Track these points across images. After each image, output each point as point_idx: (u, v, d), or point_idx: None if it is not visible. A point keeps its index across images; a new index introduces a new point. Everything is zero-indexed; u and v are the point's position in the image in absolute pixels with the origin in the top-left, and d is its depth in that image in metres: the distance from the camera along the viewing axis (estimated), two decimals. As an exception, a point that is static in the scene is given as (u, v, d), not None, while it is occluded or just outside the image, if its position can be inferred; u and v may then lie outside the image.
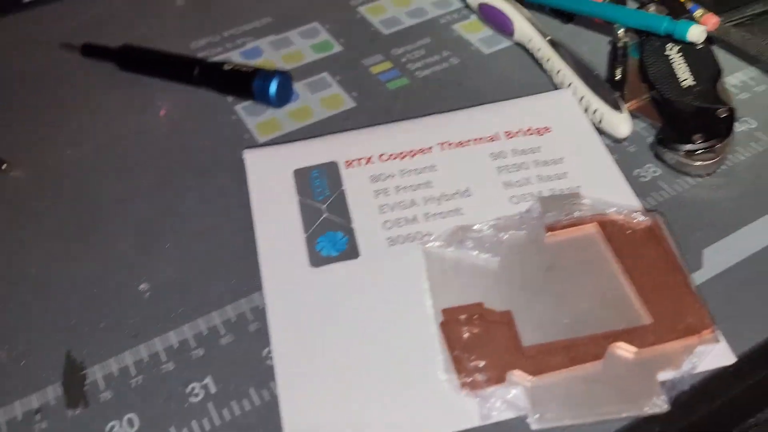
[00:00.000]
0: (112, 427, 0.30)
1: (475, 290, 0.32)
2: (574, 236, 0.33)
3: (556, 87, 0.42)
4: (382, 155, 0.37)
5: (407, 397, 0.29)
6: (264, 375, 0.31)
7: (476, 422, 0.28)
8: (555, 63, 0.41)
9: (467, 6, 0.49)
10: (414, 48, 0.46)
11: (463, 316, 0.30)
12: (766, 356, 0.30)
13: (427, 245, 0.33)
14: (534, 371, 0.29)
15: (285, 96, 0.43)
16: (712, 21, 0.43)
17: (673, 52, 0.41)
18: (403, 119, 0.40)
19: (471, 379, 0.29)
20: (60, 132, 0.43)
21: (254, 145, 0.41)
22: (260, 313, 0.33)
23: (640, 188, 0.37)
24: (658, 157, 0.38)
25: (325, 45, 0.47)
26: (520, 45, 0.45)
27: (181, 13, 0.51)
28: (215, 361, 0.31)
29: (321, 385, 0.30)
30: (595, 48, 0.44)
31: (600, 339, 0.30)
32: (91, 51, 0.47)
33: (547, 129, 0.38)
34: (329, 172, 0.37)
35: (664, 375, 0.29)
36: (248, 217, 0.36)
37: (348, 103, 0.43)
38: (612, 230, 0.33)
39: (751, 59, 0.43)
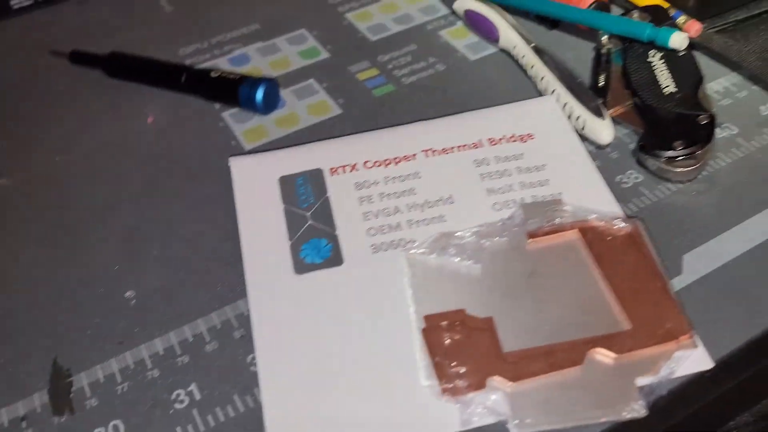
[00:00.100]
0: (98, 434, 0.30)
1: (457, 297, 0.32)
2: (555, 243, 0.34)
3: (540, 93, 0.42)
4: (366, 162, 0.38)
5: (390, 403, 0.30)
6: (248, 381, 0.31)
7: (457, 427, 0.29)
8: (539, 70, 0.42)
9: (454, 12, 0.49)
10: (400, 54, 0.47)
11: (444, 323, 0.31)
12: (744, 361, 0.31)
13: (409, 252, 0.34)
14: (514, 377, 0.29)
15: (272, 103, 0.43)
16: (695, 28, 0.44)
17: (655, 58, 0.41)
18: (388, 126, 0.41)
19: (452, 385, 0.29)
20: (48, 139, 0.43)
21: (241, 152, 0.41)
22: (245, 320, 0.33)
23: (622, 194, 0.37)
24: (640, 163, 0.38)
25: (312, 51, 0.47)
26: (505, 51, 0.46)
27: (170, 20, 0.51)
28: (200, 368, 0.32)
29: (304, 391, 0.30)
30: (580, 54, 0.45)
31: (579, 345, 0.30)
32: (79, 58, 0.47)
33: (530, 136, 0.39)
34: (314, 180, 0.37)
35: (643, 380, 0.29)
36: (234, 224, 0.36)
37: (334, 109, 0.43)
38: (593, 237, 0.34)
39: (733, 65, 0.43)
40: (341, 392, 0.30)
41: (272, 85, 0.43)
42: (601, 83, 0.42)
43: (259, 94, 0.42)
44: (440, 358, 0.30)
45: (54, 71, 0.47)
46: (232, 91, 0.42)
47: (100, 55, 0.46)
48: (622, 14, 0.45)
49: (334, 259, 0.34)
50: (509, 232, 0.34)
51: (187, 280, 0.35)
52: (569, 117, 0.39)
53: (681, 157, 0.37)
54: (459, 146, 0.38)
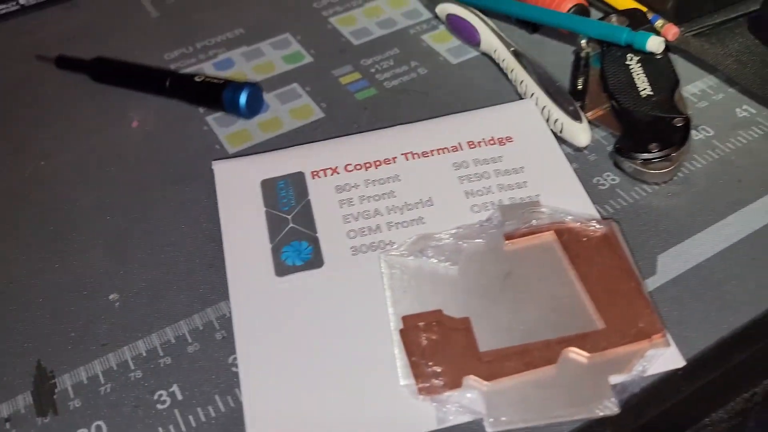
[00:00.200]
0: (81, 435, 0.30)
1: (434, 297, 0.33)
2: (531, 244, 0.34)
3: (520, 96, 0.43)
4: (347, 166, 0.38)
5: (368, 403, 0.30)
6: (229, 382, 0.31)
7: (434, 426, 0.29)
8: (518, 73, 0.42)
9: (436, 17, 0.49)
10: (383, 58, 0.47)
11: (421, 323, 0.31)
12: (715, 360, 0.31)
13: (388, 254, 0.34)
14: (489, 376, 0.30)
15: (255, 107, 0.43)
16: (673, 31, 0.45)
17: (633, 62, 0.42)
18: (370, 129, 0.41)
19: (428, 384, 0.30)
20: (33, 143, 0.43)
21: (225, 155, 0.41)
22: (227, 322, 0.33)
23: (599, 196, 0.38)
24: (617, 165, 0.39)
25: (296, 56, 0.48)
26: (486, 55, 0.46)
27: (155, 25, 0.52)
28: (182, 369, 0.32)
29: (284, 391, 0.31)
30: (560, 58, 0.45)
31: (554, 344, 0.31)
32: (65, 63, 0.47)
33: (509, 138, 0.39)
34: (295, 183, 0.38)
35: (616, 378, 0.30)
36: (217, 227, 0.37)
37: (317, 113, 0.44)
38: (568, 238, 0.34)
39: (709, 68, 0.44)
40: (320, 392, 0.30)
41: (256, 90, 0.43)
42: (580, 86, 0.42)
43: (243, 99, 0.42)
44: (417, 358, 0.30)
45: (40, 76, 0.48)
46: (216, 95, 0.43)
47: (86, 60, 0.47)
48: (601, 18, 0.45)
49: (315, 261, 0.34)
50: (487, 233, 0.35)
51: (170, 282, 0.35)
52: (547, 120, 0.40)
53: (656, 159, 0.37)
54: (438, 149, 0.39)
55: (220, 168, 0.39)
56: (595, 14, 0.47)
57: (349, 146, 0.39)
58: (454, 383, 0.30)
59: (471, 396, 0.29)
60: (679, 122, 0.38)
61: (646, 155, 0.37)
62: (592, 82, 0.43)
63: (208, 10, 0.53)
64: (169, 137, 0.43)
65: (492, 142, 0.39)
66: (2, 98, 0.47)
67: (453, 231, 0.35)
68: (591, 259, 0.33)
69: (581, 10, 0.46)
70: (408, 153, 0.38)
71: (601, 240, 0.34)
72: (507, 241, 0.34)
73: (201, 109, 0.44)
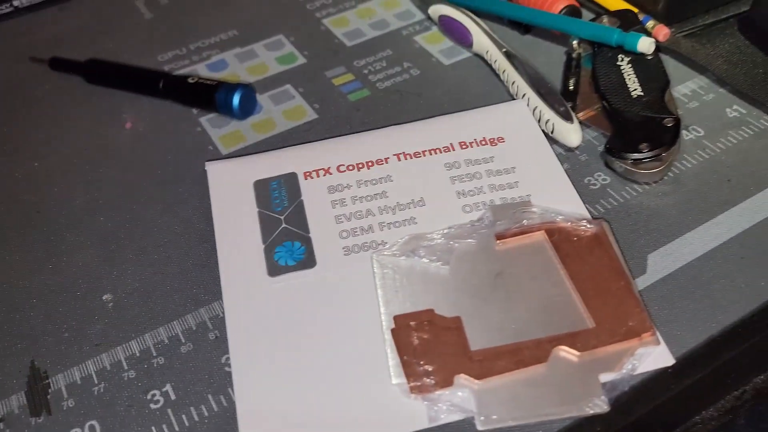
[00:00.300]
0: (74, 435, 0.31)
1: (426, 297, 0.33)
2: (522, 244, 0.35)
3: (512, 97, 0.43)
4: (339, 166, 0.38)
5: (361, 402, 0.30)
6: (222, 382, 0.32)
7: (425, 424, 0.29)
8: (510, 74, 0.43)
9: (428, 18, 0.50)
10: (376, 60, 0.47)
11: (413, 323, 0.32)
12: (704, 358, 0.31)
13: (380, 254, 0.34)
14: (480, 375, 0.30)
15: (248, 108, 0.44)
16: (663, 32, 0.45)
17: (624, 62, 0.42)
18: (363, 130, 0.42)
19: (420, 383, 0.30)
20: (27, 144, 0.44)
21: (218, 156, 0.42)
22: (220, 322, 0.34)
23: (590, 195, 0.38)
24: (608, 165, 0.39)
25: (289, 57, 0.48)
26: (478, 56, 0.47)
27: (149, 26, 0.52)
28: (175, 368, 0.32)
29: (277, 391, 0.31)
30: (552, 59, 0.46)
31: (544, 343, 0.31)
32: (58, 64, 0.48)
33: (501, 139, 0.39)
34: (288, 184, 0.38)
35: (606, 377, 0.30)
36: (210, 228, 0.37)
37: (310, 114, 0.44)
38: (559, 238, 0.34)
39: (700, 69, 0.44)
40: (313, 391, 0.31)
41: (249, 91, 0.43)
42: (571, 87, 0.43)
43: (236, 100, 0.42)
44: (409, 357, 0.31)
45: (34, 77, 0.48)
46: (209, 96, 0.43)
47: (80, 62, 0.47)
48: (593, 19, 0.45)
49: (307, 261, 0.35)
50: (478, 233, 0.35)
51: (164, 282, 0.36)
52: (539, 120, 0.40)
53: (647, 159, 0.37)
54: (430, 150, 0.39)
55: (213, 169, 0.39)
56: (587, 15, 0.47)
57: (342, 147, 0.40)
58: (446, 382, 0.30)
59: (462, 394, 0.30)
60: (669, 122, 0.39)
61: (636, 155, 0.37)
62: (584, 83, 0.43)
63: (202, 12, 0.53)
64: (163, 138, 0.43)
65: (484, 142, 0.39)
66: (-4, 100, 0.47)
67: (444, 231, 0.35)
68: (581, 259, 0.34)
69: (573, 11, 0.46)
70: (400, 153, 0.39)
71: (592, 239, 0.34)
72: (498, 241, 0.35)
73: (194, 111, 0.45)
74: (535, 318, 0.32)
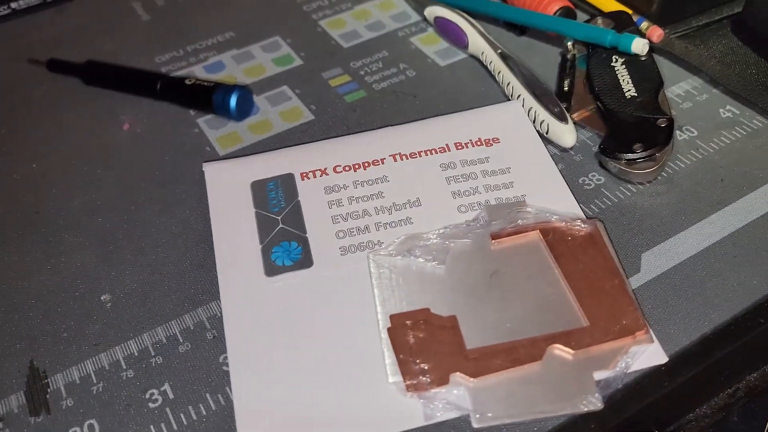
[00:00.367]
0: (73, 433, 0.31)
1: (422, 296, 0.33)
2: (517, 243, 0.35)
3: (508, 98, 0.43)
4: (336, 167, 0.39)
5: (357, 400, 0.31)
6: (220, 381, 0.32)
7: (421, 422, 0.30)
8: (505, 75, 0.43)
9: (424, 20, 0.50)
10: (372, 61, 0.48)
11: (409, 322, 0.32)
12: (697, 356, 0.32)
13: (376, 254, 0.35)
14: (476, 373, 0.30)
15: (245, 109, 0.44)
16: (657, 33, 0.45)
17: (618, 63, 0.43)
18: (359, 131, 0.42)
19: (416, 381, 0.30)
20: (25, 145, 0.44)
21: (215, 157, 0.42)
22: (218, 322, 0.34)
23: (584, 195, 0.38)
24: (602, 165, 0.39)
25: (286, 59, 0.48)
26: (474, 57, 0.47)
27: (146, 28, 0.52)
28: (173, 368, 0.32)
29: (274, 390, 0.31)
30: (547, 60, 0.46)
31: (539, 341, 0.31)
32: (56, 66, 0.48)
33: (496, 140, 0.40)
34: (285, 184, 0.38)
35: (600, 374, 0.30)
36: (208, 229, 0.37)
37: (307, 115, 0.44)
38: (554, 237, 0.35)
39: (693, 69, 0.45)
40: (310, 390, 0.31)
41: (246, 92, 0.44)
42: (566, 88, 0.43)
43: (233, 101, 0.43)
44: (405, 356, 0.31)
45: (32, 79, 0.48)
46: (207, 98, 0.43)
47: (77, 64, 0.47)
48: (587, 20, 0.46)
49: (304, 261, 0.35)
50: (473, 233, 0.35)
51: (162, 283, 0.36)
52: (534, 121, 0.41)
53: (641, 160, 0.38)
54: (426, 150, 0.39)
55: (210, 169, 0.39)
56: (582, 17, 0.48)
57: (338, 148, 0.40)
58: (442, 380, 0.30)
59: (458, 392, 0.30)
60: (663, 123, 0.39)
61: (630, 155, 0.38)
62: (578, 84, 0.43)
63: (199, 14, 0.53)
64: (160, 139, 0.43)
65: (479, 143, 0.39)
66: (-6, 101, 0.47)
67: (440, 231, 0.35)
68: (576, 258, 0.34)
69: (567, 13, 0.46)
70: (396, 154, 0.39)
71: (586, 239, 0.35)
72: (493, 241, 0.35)
73: (192, 112, 0.45)
74: (530, 317, 0.32)
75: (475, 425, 0.29)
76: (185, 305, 0.35)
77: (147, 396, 0.32)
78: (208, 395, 0.31)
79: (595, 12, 0.48)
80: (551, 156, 0.39)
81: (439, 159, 0.39)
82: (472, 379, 0.30)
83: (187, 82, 0.44)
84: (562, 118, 0.40)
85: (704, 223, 0.37)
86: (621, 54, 0.43)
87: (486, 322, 0.32)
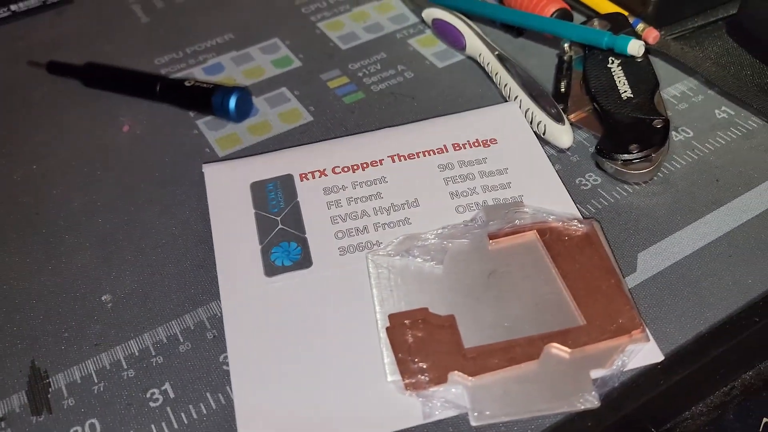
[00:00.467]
0: (75, 432, 0.31)
1: (420, 296, 0.33)
2: (515, 243, 0.35)
3: (505, 99, 0.44)
4: (335, 168, 0.39)
5: (357, 399, 0.31)
6: (220, 380, 0.32)
7: (420, 420, 0.30)
8: (502, 77, 0.43)
9: (422, 21, 0.50)
10: (370, 62, 0.48)
11: (408, 321, 0.32)
12: (693, 355, 0.32)
13: (375, 254, 0.35)
14: (474, 372, 0.30)
15: (244, 111, 0.44)
16: (653, 35, 0.46)
17: (614, 65, 0.43)
18: (358, 132, 0.42)
19: (414, 380, 0.30)
20: (25, 147, 0.44)
21: (215, 158, 0.42)
22: (218, 321, 0.34)
23: (581, 196, 0.39)
24: (598, 166, 0.40)
25: (284, 60, 0.49)
26: (471, 59, 0.47)
27: (145, 30, 0.52)
28: (174, 367, 0.33)
29: (274, 389, 0.31)
30: (544, 61, 0.46)
31: (536, 340, 0.31)
32: (56, 68, 0.48)
33: (493, 141, 0.40)
34: (284, 185, 0.38)
35: (597, 373, 0.31)
36: (207, 229, 0.37)
37: (306, 117, 0.45)
38: (551, 237, 0.35)
39: (689, 71, 0.45)
40: (310, 388, 0.31)
41: (245, 94, 0.44)
42: (563, 89, 0.43)
43: (232, 103, 0.43)
44: (404, 355, 0.31)
45: (32, 81, 0.48)
46: (206, 99, 0.44)
47: (77, 66, 0.47)
48: (583, 22, 0.46)
49: (304, 261, 0.35)
50: (471, 233, 0.35)
51: (162, 283, 0.36)
52: (531, 122, 0.41)
53: (637, 160, 0.38)
54: (424, 151, 0.39)
55: (210, 170, 0.40)
56: (578, 18, 0.48)
57: (337, 149, 0.40)
58: (440, 379, 0.30)
59: (456, 391, 0.30)
60: (658, 124, 0.39)
61: (626, 156, 0.38)
62: (575, 85, 0.44)
63: (198, 15, 0.53)
64: (160, 141, 0.44)
65: (477, 143, 0.40)
66: (-6, 103, 0.47)
67: (438, 231, 0.36)
68: (573, 258, 0.34)
69: (564, 15, 0.47)
70: (395, 155, 0.39)
71: (583, 239, 0.35)
72: (491, 241, 0.35)
73: (191, 113, 0.45)
74: (528, 316, 0.32)
75: (473, 423, 0.30)
76: (185, 305, 0.35)
77: (148, 395, 0.32)
78: (208, 394, 0.32)
79: (591, 14, 0.48)
80: (548, 157, 0.40)
81: (437, 160, 0.39)
82: (470, 377, 0.30)
83: (187, 83, 0.45)
84: (558, 119, 0.40)
85: (699, 223, 0.37)
86: (617, 55, 0.43)
87: (484, 322, 0.32)
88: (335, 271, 0.35)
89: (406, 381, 0.30)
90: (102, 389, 0.32)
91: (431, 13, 0.49)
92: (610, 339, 0.31)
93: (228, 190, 0.38)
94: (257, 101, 0.46)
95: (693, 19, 0.48)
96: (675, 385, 0.32)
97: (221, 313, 0.34)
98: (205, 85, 0.44)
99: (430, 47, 0.49)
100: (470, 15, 0.48)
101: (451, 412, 0.30)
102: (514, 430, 0.30)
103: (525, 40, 0.49)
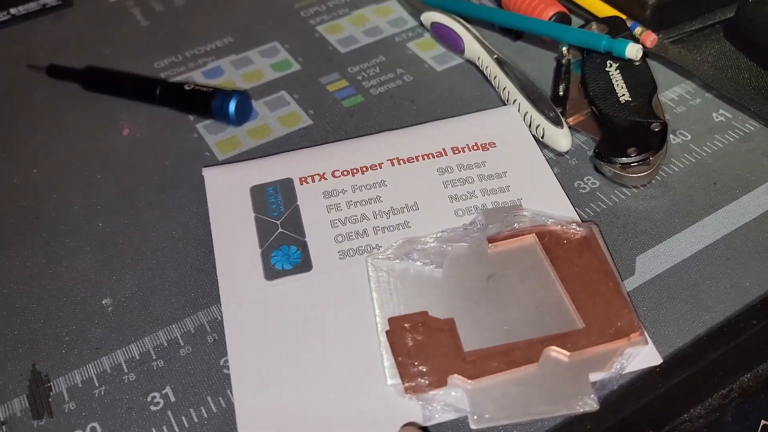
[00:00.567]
0: (76, 436, 0.31)
1: (420, 299, 0.33)
2: (514, 247, 0.35)
3: (504, 102, 0.44)
4: (334, 172, 0.39)
5: (357, 402, 0.31)
6: (221, 384, 0.32)
7: (420, 423, 0.30)
8: (501, 80, 0.43)
9: (421, 25, 0.51)
10: (369, 66, 0.48)
11: (407, 324, 0.32)
12: (691, 357, 0.32)
13: (375, 257, 0.35)
14: (473, 375, 0.31)
15: (244, 114, 0.44)
16: (651, 38, 0.46)
17: (612, 68, 0.43)
18: (357, 136, 0.42)
19: (414, 383, 0.31)
20: (25, 151, 0.44)
21: (215, 162, 0.42)
22: (218, 325, 0.34)
23: (580, 199, 0.39)
24: (597, 169, 0.40)
25: (284, 64, 0.49)
26: (470, 62, 0.47)
27: (145, 34, 0.52)
28: (174, 371, 0.33)
29: (275, 392, 0.31)
30: (542, 65, 0.46)
31: (536, 343, 0.32)
32: (56, 72, 0.48)
33: (492, 144, 0.40)
34: (284, 189, 0.38)
35: (595, 376, 0.31)
36: (207, 233, 0.37)
37: (305, 120, 0.45)
38: (549, 241, 0.35)
39: (687, 74, 0.45)
40: (310, 392, 0.31)
41: (244, 98, 0.44)
42: (561, 92, 0.43)
43: (232, 107, 0.43)
44: (403, 358, 0.31)
45: (31, 85, 0.48)
46: (206, 103, 0.44)
47: (77, 69, 0.47)
48: (582, 26, 0.46)
49: (304, 265, 0.35)
50: (470, 237, 0.36)
51: (162, 287, 0.36)
52: (530, 126, 0.41)
53: (635, 163, 0.38)
54: (423, 155, 0.40)
55: (210, 174, 0.40)
56: (576, 22, 0.48)
57: (337, 152, 0.40)
58: (440, 382, 0.31)
59: (456, 394, 0.30)
60: (656, 127, 0.39)
61: (624, 159, 0.38)
62: (573, 89, 0.44)
63: (197, 19, 0.53)
64: (160, 144, 0.44)
65: (475, 147, 0.40)
66: (-6, 107, 0.47)
67: (438, 234, 0.36)
68: (571, 261, 0.34)
69: (562, 18, 0.47)
70: (394, 159, 0.39)
71: (582, 242, 0.35)
72: (490, 244, 0.35)
73: (191, 117, 0.45)
74: (527, 319, 0.33)
75: (473, 426, 0.30)
76: (186, 309, 0.35)
77: (149, 399, 0.32)
78: (209, 398, 0.32)
79: (589, 17, 0.49)
80: (547, 160, 0.40)
81: (436, 163, 0.39)
82: (469, 381, 0.31)
83: (186, 87, 0.45)
84: (557, 123, 0.40)
85: (697, 226, 0.37)
86: (615, 59, 0.43)
87: (483, 325, 0.33)
88: (335, 274, 0.35)
89: (406, 384, 0.31)
90: (103, 393, 0.32)
91: (430, 16, 0.49)
92: (609, 342, 0.32)
93: (228, 194, 0.39)
94: (257, 105, 0.46)
95: (690, 22, 0.48)
96: (673, 387, 0.32)
97: (221, 316, 0.34)
98: (204, 89, 0.44)
99: (428, 51, 0.49)
100: (469, 18, 0.48)
101: (450, 416, 0.30)
102: (513, 432, 0.30)
103: (523, 43, 0.49)
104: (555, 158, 0.41)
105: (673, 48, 0.46)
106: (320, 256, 0.36)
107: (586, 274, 0.34)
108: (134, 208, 0.40)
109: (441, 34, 0.48)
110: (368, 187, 0.38)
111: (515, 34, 0.49)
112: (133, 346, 0.34)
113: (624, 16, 0.47)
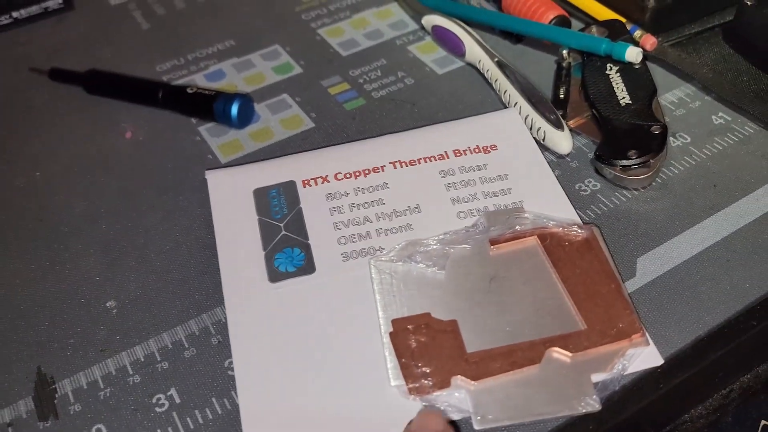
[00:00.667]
0: (81, 438, 0.31)
1: (423, 301, 0.34)
2: (515, 249, 0.36)
3: (505, 105, 0.44)
4: (337, 174, 0.39)
5: (360, 403, 0.31)
6: (225, 385, 0.32)
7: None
8: (502, 83, 0.44)
9: (422, 28, 0.51)
10: (370, 69, 0.49)
11: (410, 326, 0.33)
12: (692, 358, 0.33)
13: (378, 260, 0.35)
14: (476, 376, 0.31)
15: (246, 117, 0.45)
16: (650, 42, 0.46)
17: (612, 71, 0.43)
18: (359, 139, 0.43)
19: (418, 384, 0.31)
20: (28, 154, 0.44)
21: (217, 165, 0.42)
22: (222, 327, 0.35)
23: (581, 201, 0.39)
24: (598, 171, 0.40)
25: (285, 67, 0.49)
26: (471, 65, 0.48)
27: (147, 37, 0.53)
28: (179, 373, 0.33)
29: (279, 394, 0.32)
30: (542, 68, 0.47)
31: (538, 344, 0.32)
32: (58, 75, 0.48)
33: (493, 147, 0.40)
34: (287, 191, 0.39)
35: (597, 377, 0.31)
36: (211, 235, 0.38)
37: (307, 123, 0.45)
38: (551, 243, 0.35)
39: (686, 77, 0.46)
40: (314, 393, 0.32)
41: (246, 101, 0.44)
42: (562, 95, 0.44)
43: (234, 110, 0.43)
44: (407, 360, 0.32)
45: (34, 88, 0.49)
46: (208, 106, 0.44)
47: (79, 73, 0.48)
48: (582, 29, 0.47)
49: (307, 267, 0.36)
50: (472, 239, 0.36)
51: (166, 289, 0.36)
52: (530, 128, 0.41)
53: (635, 166, 0.39)
54: (426, 158, 0.40)
55: (213, 177, 0.40)
56: (576, 25, 0.49)
57: (339, 155, 0.41)
58: (443, 383, 0.31)
59: (459, 395, 0.31)
60: (656, 130, 0.40)
61: (625, 162, 0.39)
62: (574, 92, 0.44)
63: (199, 22, 0.54)
64: (162, 147, 0.44)
65: (477, 150, 0.40)
66: (-3, 110, 0.48)
67: (440, 237, 0.36)
68: (573, 263, 0.35)
69: (562, 22, 0.47)
70: (396, 161, 0.40)
71: (583, 244, 0.35)
72: (492, 246, 0.36)
73: (193, 120, 0.45)
74: (529, 320, 0.33)
75: (476, 427, 0.30)
76: (190, 311, 0.35)
77: (154, 401, 0.32)
78: (214, 399, 0.32)
79: (589, 21, 0.49)
80: (548, 162, 0.40)
81: (438, 166, 0.39)
82: (472, 382, 0.31)
83: (189, 90, 0.45)
84: (558, 126, 0.41)
85: (698, 228, 0.37)
86: (615, 62, 0.44)
87: (485, 326, 0.33)
88: (338, 276, 0.35)
89: (410, 385, 0.31)
90: (108, 395, 0.33)
91: (431, 20, 0.49)
92: (611, 343, 0.32)
93: (231, 197, 0.39)
94: (258, 108, 0.46)
95: (690, 26, 0.48)
96: (674, 388, 0.32)
97: (225, 318, 0.34)
98: (207, 92, 0.45)
99: (429, 54, 0.49)
100: (470, 22, 0.48)
101: (454, 416, 0.30)
102: (516, 433, 0.30)
103: (524, 46, 0.49)
104: (556, 161, 0.41)
105: (672, 51, 0.47)
106: (323, 258, 0.36)
107: (587, 275, 0.34)
108: (137, 211, 0.40)
109: (442, 37, 0.49)
110: (371, 189, 0.39)
111: (516, 38, 0.49)
112: (137, 348, 0.34)
113: (624, 20, 0.47)
